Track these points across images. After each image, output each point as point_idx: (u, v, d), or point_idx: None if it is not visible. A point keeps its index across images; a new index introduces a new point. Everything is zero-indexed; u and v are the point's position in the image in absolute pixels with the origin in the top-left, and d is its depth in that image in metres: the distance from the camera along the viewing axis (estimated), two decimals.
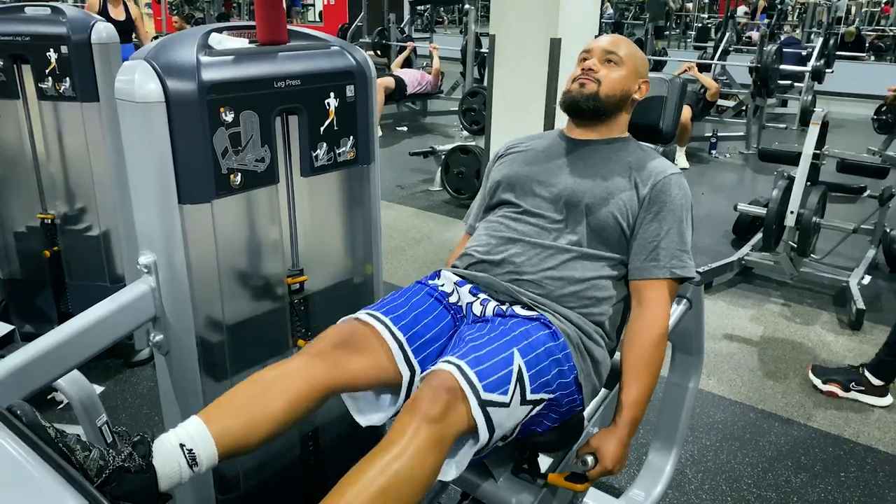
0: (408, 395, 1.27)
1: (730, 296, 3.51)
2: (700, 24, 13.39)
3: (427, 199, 4.95)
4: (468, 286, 1.42)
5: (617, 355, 1.48)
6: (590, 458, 1.32)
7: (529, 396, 1.21)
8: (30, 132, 2.49)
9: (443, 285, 1.45)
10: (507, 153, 1.67)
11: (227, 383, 1.51)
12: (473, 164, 4.52)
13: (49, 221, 2.56)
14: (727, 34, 8.02)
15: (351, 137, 1.63)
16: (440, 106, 7.81)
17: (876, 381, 2.60)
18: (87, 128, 2.43)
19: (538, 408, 1.25)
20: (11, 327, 1.89)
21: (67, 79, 2.36)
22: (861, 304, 3.16)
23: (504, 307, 1.37)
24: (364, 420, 1.31)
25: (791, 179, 3.25)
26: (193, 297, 1.42)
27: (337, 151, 1.60)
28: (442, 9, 13.72)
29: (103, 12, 5.14)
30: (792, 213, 3.18)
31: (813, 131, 3.20)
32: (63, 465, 0.82)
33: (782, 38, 8.56)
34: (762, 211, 3.42)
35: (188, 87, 1.30)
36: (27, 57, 2.37)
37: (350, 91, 1.59)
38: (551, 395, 1.26)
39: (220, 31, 1.46)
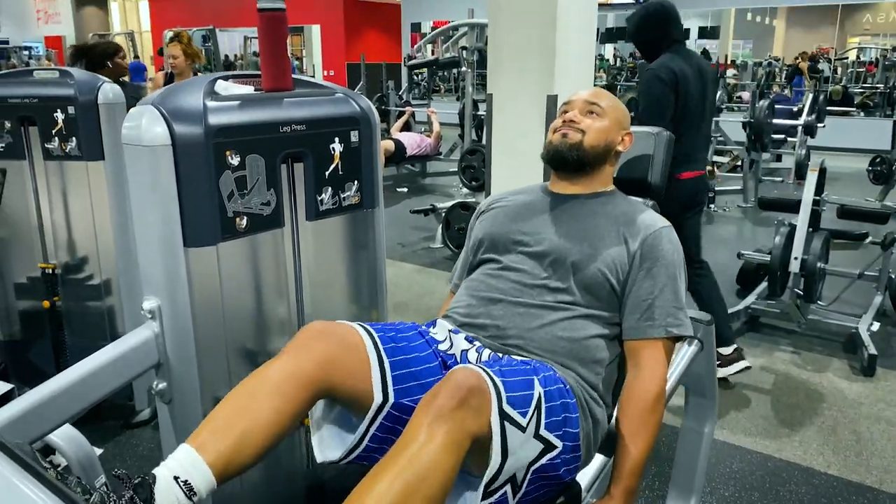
0: (370, 425, 1.17)
1: (739, 345, 3.46)
2: None
3: (429, 256, 4.96)
4: (462, 334, 1.37)
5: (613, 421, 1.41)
6: None
7: (543, 432, 1.15)
8: (35, 192, 2.50)
9: (436, 333, 1.39)
10: (488, 209, 1.61)
11: None
12: None
13: (50, 271, 2.54)
14: (718, 93, 8.18)
15: (356, 182, 1.64)
16: (439, 167, 7.92)
17: (725, 351, 2.85)
18: (92, 186, 2.44)
19: (548, 455, 1.17)
20: (11, 386, 1.86)
21: (74, 138, 2.39)
22: (873, 350, 3.11)
23: (500, 355, 1.33)
24: (321, 455, 1.22)
25: (792, 227, 3.26)
26: (198, 343, 1.40)
27: (342, 196, 1.61)
28: (438, 77, 14.08)
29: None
30: (796, 258, 3.17)
31: (811, 178, 3.22)
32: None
33: (772, 96, 8.74)
34: (766, 258, 3.41)
35: (195, 130, 1.32)
36: (34, 118, 2.41)
37: (354, 136, 1.61)
38: (560, 443, 1.19)
39: (226, 78, 1.49)
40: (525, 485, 1.14)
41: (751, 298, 3.71)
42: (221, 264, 1.40)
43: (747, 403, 2.87)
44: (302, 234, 1.57)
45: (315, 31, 13.84)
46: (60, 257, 2.54)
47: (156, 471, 1.00)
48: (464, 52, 4.83)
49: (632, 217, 1.44)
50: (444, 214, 4.73)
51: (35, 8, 17.88)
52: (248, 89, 1.51)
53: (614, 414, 1.39)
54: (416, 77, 12.09)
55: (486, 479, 1.06)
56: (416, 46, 6.69)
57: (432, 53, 6.65)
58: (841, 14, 13.83)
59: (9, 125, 2.42)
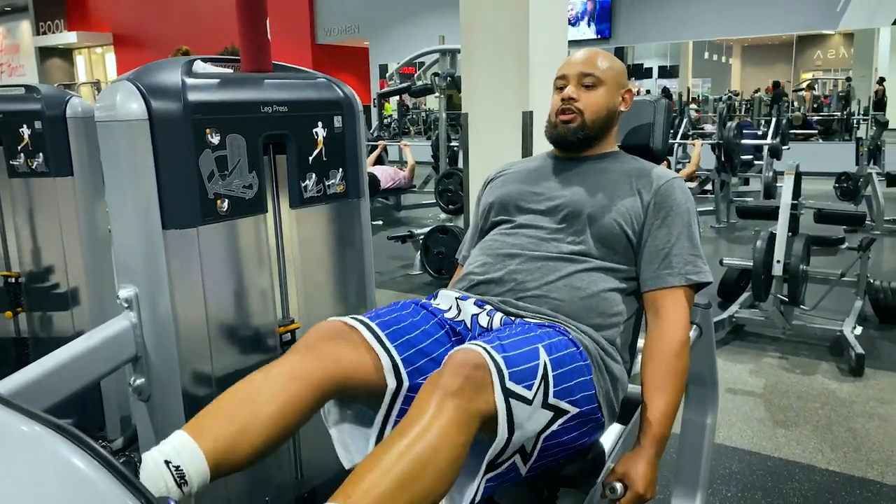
0: (388, 412, 1.14)
1: (725, 353, 3.43)
2: None
3: (408, 283, 4.88)
4: (472, 299, 1.32)
5: (630, 387, 1.37)
6: (618, 486, 1.18)
7: (552, 400, 1.10)
8: None
9: (438, 303, 1.34)
10: (497, 176, 1.60)
11: None
12: (453, 245, 4.49)
13: (16, 284, 2.42)
14: (684, 120, 8.36)
15: (340, 170, 1.58)
16: (413, 199, 7.90)
17: None
18: (61, 203, 2.34)
19: (560, 420, 1.12)
20: None
21: (41, 154, 2.31)
22: (860, 350, 3.10)
23: (513, 318, 1.27)
24: (348, 461, 1.16)
25: (773, 232, 3.27)
26: (178, 335, 1.32)
27: (326, 183, 1.55)
28: (408, 119, 14.21)
29: None
30: (779, 262, 3.17)
31: (789, 181, 3.25)
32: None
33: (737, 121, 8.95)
34: (749, 264, 3.41)
35: (173, 106, 1.26)
36: None
37: (338, 122, 1.56)
38: (574, 408, 1.14)
39: (204, 60, 1.44)
40: (537, 452, 1.10)
41: (734, 307, 3.70)
42: (202, 249, 1.32)
43: (740, 407, 2.82)
44: (285, 222, 1.50)
45: None
46: (29, 284, 2.42)
47: (146, 454, 0.92)
48: (436, 78, 4.85)
49: (643, 170, 1.44)
50: (422, 240, 4.68)
51: None
52: (229, 72, 1.46)
53: (632, 371, 1.36)
54: (386, 119, 12.16)
55: (490, 454, 1.02)
56: (388, 75, 6.72)
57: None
58: (795, 50, 14.36)
59: None
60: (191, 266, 1.31)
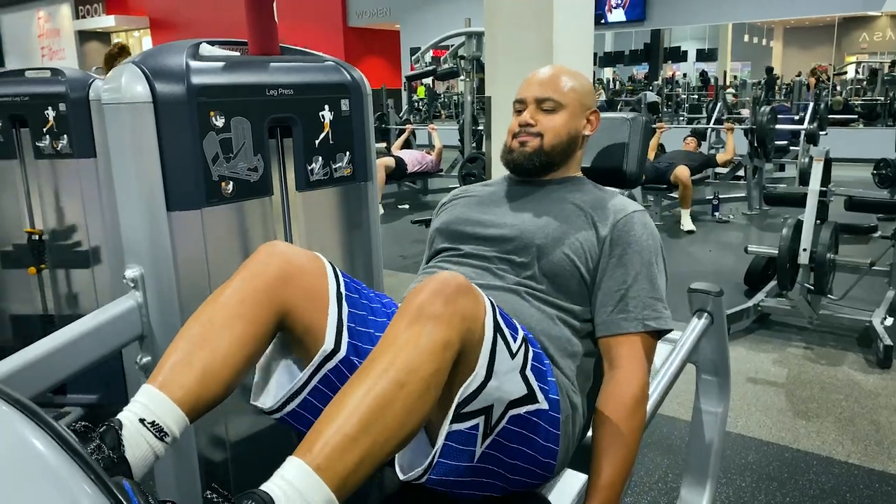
0: (313, 374, 1.04)
1: (749, 342, 3.38)
2: (690, 104, 13.73)
3: None
4: None
5: (589, 434, 1.24)
6: None
7: (528, 374, 1.03)
8: (26, 192, 2.46)
9: None
10: (450, 201, 1.50)
11: (220, 409, 1.40)
12: None
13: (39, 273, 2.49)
14: (718, 104, 8.19)
15: (347, 153, 1.59)
16: (440, 184, 7.90)
17: None
18: (84, 184, 2.40)
19: (524, 407, 1.02)
20: None
21: (65, 136, 2.35)
22: (888, 341, 3.02)
23: None
24: (254, 398, 1.08)
25: (800, 219, 3.19)
26: (183, 315, 1.34)
27: (333, 166, 1.56)
28: (439, 103, 14.16)
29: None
30: (805, 250, 3.10)
31: (817, 167, 3.17)
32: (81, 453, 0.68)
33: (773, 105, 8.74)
34: (774, 251, 3.34)
35: (177, 88, 1.27)
36: (25, 117, 2.38)
37: (345, 105, 1.56)
38: (543, 399, 1.06)
39: (211, 43, 1.45)
40: (499, 428, 1.00)
41: (760, 296, 3.63)
42: (206, 230, 1.34)
43: (760, 397, 2.77)
44: (292, 205, 1.51)
45: None
46: (53, 266, 2.48)
47: (120, 416, 0.91)
48: (462, 61, 4.82)
49: (602, 202, 1.33)
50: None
51: (40, 45, 18.15)
52: (235, 55, 1.47)
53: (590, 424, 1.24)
54: (417, 103, 12.14)
55: (462, 391, 0.92)
56: (414, 58, 6.70)
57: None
58: (837, 33, 13.92)
59: (0, 124, 2.39)
60: (195, 247, 1.33)
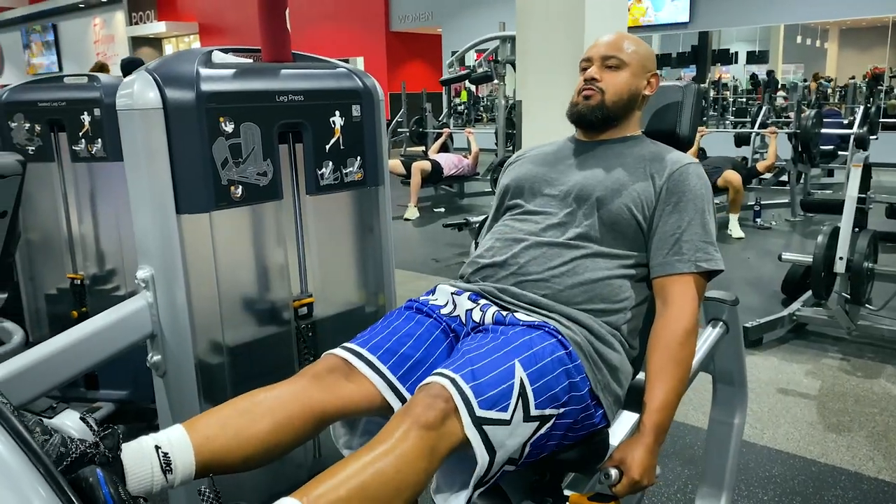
0: None
1: (782, 352, 3.29)
2: (736, 108, 13.44)
3: None
4: (466, 294, 1.32)
5: (641, 375, 1.35)
6: (613, 472, 1.17)
7: (534, 412, 1.10)
8: (63, 194, 2.56)
9: (436, 300, 1.34)
10: (516, 160, 1.60)
11: None
12: None
13: (78, 282, 2.58)
14: (763, 108, 8.00)
15: (358, 158, 1.61)
16: (477, 188, 7.90)
17: None
18: (116, 186, 2.48)
19: (548, 424, 1.13)
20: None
21: (99, 140, 2.44)
22: None
23: (505, 314, 1.26)
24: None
25: (836, 226, 3.10)
26: (192, 315, 1.38)
27: (344, 171, 1.58)
28: (481, 106, 14.15)
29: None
30: (841, 258, 3.01)
31: (855, 173, 3.07)
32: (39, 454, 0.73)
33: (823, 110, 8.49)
34: (809, 259, 3.25)
35: (186, 95, 1.31)
36: (63, 121, 2.47)
37: (356, 111, 1.59)
38: (562, 410, 1.15)
39: (225, 51, 1.49)
40: (525, 456, 1.12)
41: (795, 305, 3.53)
42: (215, 233, 1.38)
43: (790, 409, 2.70)
44: (303, 209, 1.54)
45: (359, 62, 14.13)
46: (88, 269, 2.57)
47: (142, 437, 0.98)
48: (496, 64, 4.81)
49: (659, 155, 1.42)
50: (476, 226, 4.68)
51: (96, 51, 18.79)
52: (247, 62, 1.51)
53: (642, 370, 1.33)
54: (458, 106, 12.16)
55: (476, 476, 1.04)
56: (448, 62, 6.72)
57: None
58: (893, 34, 13.46)
59: (38, 128, 2.49)
60: (204, 249, 1.37)
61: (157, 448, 0.98)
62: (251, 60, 1.52)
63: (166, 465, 0.97)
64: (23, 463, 0.57)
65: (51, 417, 1.72)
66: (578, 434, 1.21)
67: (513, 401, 1.08)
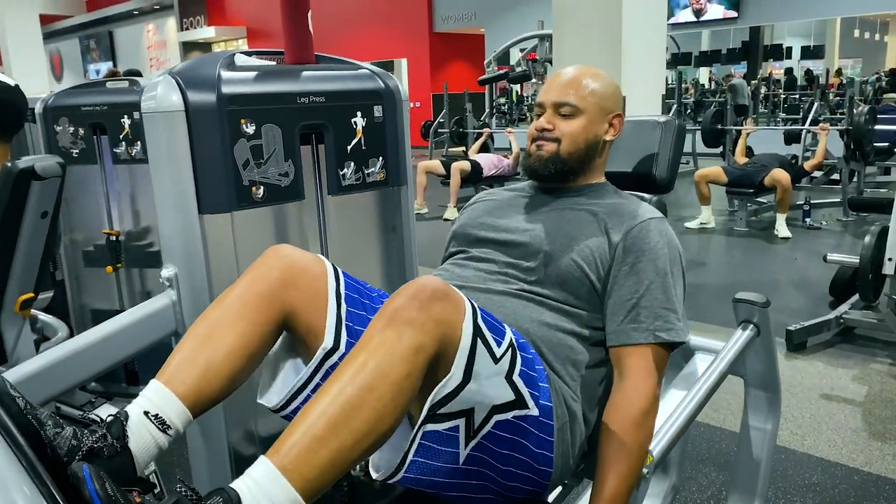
0: (315, 371, 1.07)
1: (827, 356, 3.18)
2: (788, 104, 13.06)
3: None
4: None
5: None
6: None
7: (515, 378, 1.01)
8: (106, 195, 2.64)
9: None
10: (472, 204, 1.50)
11: (252, 406, 1.45)
12: None
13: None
14: (815, 104, 7.75)
15: (380, 158, 1.61)
16: None
17: None
18: None
19: (514, 412, 1.01)
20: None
21: (138, 143, 2.51)
22: None
23: None
24: (260, 396, 1.12)
25: (885, 226, 2.98)
26: None
27: (366, 171, 1.59)
28: (525, 105, 14.07)
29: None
30: (890, 259, 2.89)
31: None
32: (26, 451, 0.75)
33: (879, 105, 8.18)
34: (856, 260, 3.13)
35: (207, 98, 1.34)
36: (105, 125, 2.55)
37: (378, 112, 1.59)
38: (533, 406, 1.04)
39: (249, 54, 1.51)
40: (483, 431, 0.99)
41: (843, 308, 3.41)
42: (237, 232, 1.40)
43: (833, 415, 2.61)
44: (325, 209, 1.55)
45: (403, 64, 14.21)
46: (128, 257, 2.65)
47: (127, 408, 0.98)
48: (534, 64, 4.78)
49: (617, 208, 1.30)
50: None
51: (148, 56, 19.36)
52: (270, 64, 1.53)
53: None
54: (500, 105, 12.12)
55: (437, 391, 0.91)
56: (486, 62, 6.70)
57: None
58: None
59: (82, 132, 2.58)
60: (226, 248, 1.39)
61: (147, 413, 0.97)
62: (274, 63, 1.54)
63: (161, 425, 0.97)
64: (8, 462, 0.59)
65: (89, 412, 1.79)
66: (524, 466, 1.07)
67: (504, 344, 1.01)
